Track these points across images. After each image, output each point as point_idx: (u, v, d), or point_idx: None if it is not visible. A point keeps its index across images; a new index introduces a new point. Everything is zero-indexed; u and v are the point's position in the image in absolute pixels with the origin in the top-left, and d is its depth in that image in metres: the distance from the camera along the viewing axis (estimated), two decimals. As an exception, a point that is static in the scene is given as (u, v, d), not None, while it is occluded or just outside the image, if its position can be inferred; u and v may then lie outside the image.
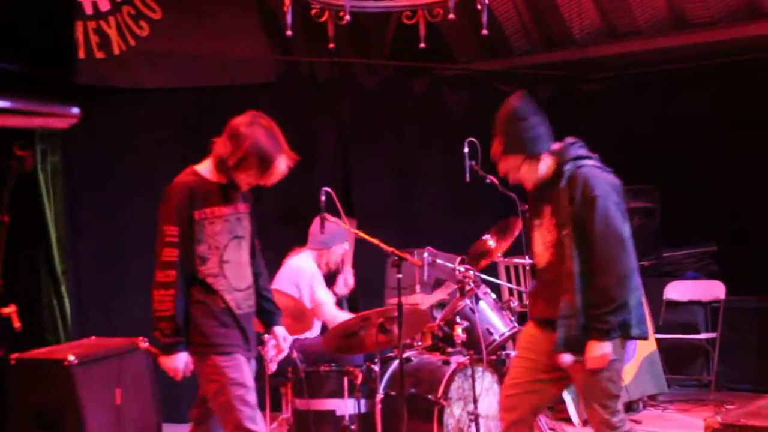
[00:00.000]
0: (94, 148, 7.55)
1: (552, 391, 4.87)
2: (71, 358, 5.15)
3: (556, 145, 4.77)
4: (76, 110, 6.91)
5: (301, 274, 6.40)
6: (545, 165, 4.73)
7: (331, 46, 5.83)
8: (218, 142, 4.62)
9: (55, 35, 7.21)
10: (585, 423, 7.21)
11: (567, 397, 7.24)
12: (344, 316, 6.24)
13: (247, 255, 4.73)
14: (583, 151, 4.77)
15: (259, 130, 4.60)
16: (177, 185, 4.61)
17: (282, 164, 4.76)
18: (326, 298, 6.36)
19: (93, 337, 5.93)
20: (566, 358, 4.56)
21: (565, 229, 4.59)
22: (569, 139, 4.81)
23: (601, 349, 4.48)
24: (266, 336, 5.87)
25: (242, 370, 4.57)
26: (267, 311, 4.92)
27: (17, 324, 4.72)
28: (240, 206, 4.71)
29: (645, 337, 4.77)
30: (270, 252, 8.07)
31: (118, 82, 7.43)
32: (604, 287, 4.49)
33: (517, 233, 6.58)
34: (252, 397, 4.59)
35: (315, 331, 6.41)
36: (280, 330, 4.93)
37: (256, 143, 4.56)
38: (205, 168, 4.67)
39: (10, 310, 4.73)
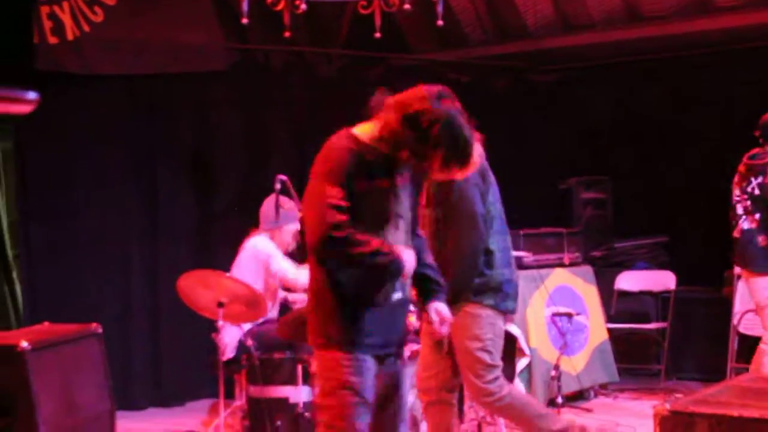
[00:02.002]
0: (47, 133, 7.48)
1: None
2: (24, 344, 5.10)
3: None
4: (34, 95, 6.82)
5: (257, 253, 6.52)
6: None
7: (287, 34, 5.86)
8: (390, 119, 3.82)
9: (13, 20, 7.15)
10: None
11: (516, 379, 7.31)
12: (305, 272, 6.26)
13: (404, 236, 3.95)
14: None
15: (452, 109, 3.77)
16: (339, 146, 3.84)
17: (477, 155, 3.86)
18: (285, 265, 6.41)
19: (46, 323, 5.88)
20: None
21: (429, 208, 4.96)
22: None
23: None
24: (220, 323, 5.92)
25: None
26: (426, 290, 4.17)
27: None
28: (399, 178, 3.92)
29: (507, 312, 5.10)
30: (227, 239, 8.13)
31: (72, 68, 7.37)
32: (447, 261, 4.78)
33: None
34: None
35: (272, 315, 6.46)
36: (435, 306, 4.11)
37: (450, 129, 3.73)
38: (366, 134, 3.91)
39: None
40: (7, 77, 6.99)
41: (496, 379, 5.06)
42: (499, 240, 5.00)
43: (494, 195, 5.00)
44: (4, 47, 7.02)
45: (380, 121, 3.87)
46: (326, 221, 3.69)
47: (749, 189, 6.59)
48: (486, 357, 5.02)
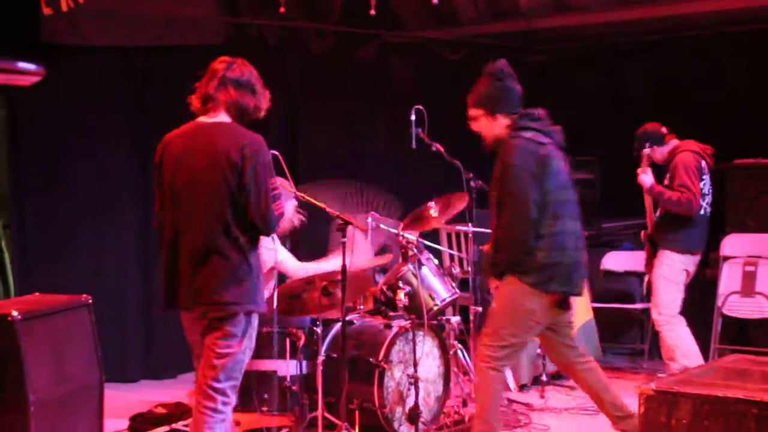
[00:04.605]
0: (41, 104, 7.44)
1: None
2: (15, 313, 5.10)
3: (516, 114, 5.34)
4: (40, 68, 6.75)
5: None
6: (501, 127, 5.33)
7: (282, 9, 5.83)
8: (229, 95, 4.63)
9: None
10: (521, 388, 7.31)
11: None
12: (310, 266, 6.27)
13: None
14: (532, 123, 5.31)
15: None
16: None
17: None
18: (286, 254, 6.38)
19: (36, 294, 5.88)
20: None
21: (494, 190, 5.24)
22: (524, 110, 5.38)
23: (493, 282, 5.34)
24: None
25: None
26: None
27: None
28: None
29: (553, 293, 5.24)
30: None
31: (65, 39, 7.31)
32: (499, 238, 5.23)
33: (460, 208, 6.64)
34: None
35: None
36: None
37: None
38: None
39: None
40: (2, 48, 6.97)
41: (501, 348, 5.23)
42: (554, 225, 5.19)
43: (555, 183, 5.21)
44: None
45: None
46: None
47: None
48: (498, 325, 5.24)
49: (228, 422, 4.54)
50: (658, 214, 7.20)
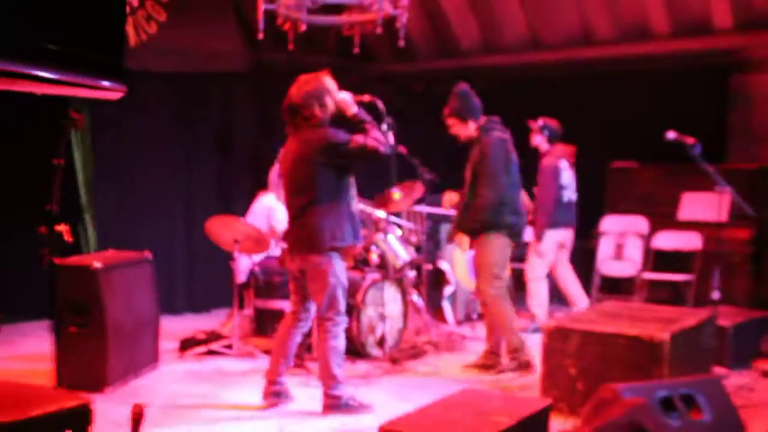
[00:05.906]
0: (113, 112, 7.38)
1: None
2: (96, 264, 5.16)
3: (482, 119, 5.70)
4: (123, 86, 6.66)
5: (266, 208, 6.55)
6: (472, 129, 5.68)
7: (291, 47, 5.86)
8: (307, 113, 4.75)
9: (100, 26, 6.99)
10: (459, 323, 7.41)
11: (444, 301, 7.41)
12: None
13: None
14: (496, 126, 5.71)
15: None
16: None
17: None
18: (283, 217, 6.42)
19: (111, 250, 5.91)
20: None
21: (470, 171, 5.61)
22: (488, 117, 5.75)
23: (461, 238, 5.78)
24: (235, 254, 5.96)
25: None
26: None
27: (69, 238, 4.54)
28: None
29: (515, 240, 5.70)
30: (242, 194, 8.08)
31: (134, 66, 7.30)
32: (476, 205, 5.60)
33: (418, 195, 6.70)
34: None
35: (274, 251, 6.47)
36: None
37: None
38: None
39: (63, 228, 4.55)
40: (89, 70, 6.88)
41: (498, 280, 5.63)
42: (513, 196, 5.63)
43: (513, 167, 5.65)
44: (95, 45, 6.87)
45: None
46: None
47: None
48: (491, 268, 5.61)
49: (341, 335, 4.81)
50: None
